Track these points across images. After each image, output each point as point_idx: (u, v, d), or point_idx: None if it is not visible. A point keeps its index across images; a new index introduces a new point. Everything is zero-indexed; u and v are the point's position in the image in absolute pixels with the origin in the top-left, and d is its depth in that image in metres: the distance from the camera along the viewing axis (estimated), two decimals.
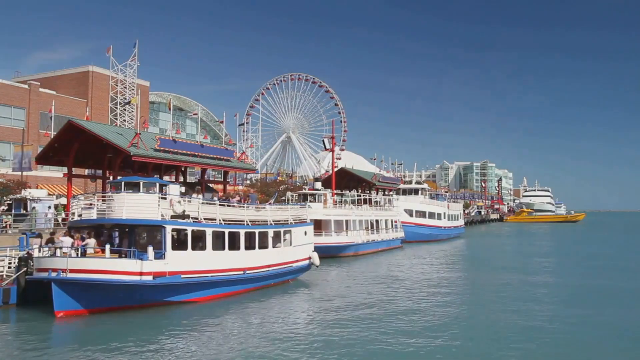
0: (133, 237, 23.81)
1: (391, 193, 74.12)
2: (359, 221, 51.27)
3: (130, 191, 23.62)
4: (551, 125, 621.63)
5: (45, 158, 35.57)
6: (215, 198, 30.18)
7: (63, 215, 35.92)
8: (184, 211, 24.28)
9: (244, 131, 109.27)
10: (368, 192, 66.43)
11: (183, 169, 41.30)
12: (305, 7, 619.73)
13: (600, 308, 24.39)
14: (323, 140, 66.98)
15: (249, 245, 27.61)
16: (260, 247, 28.20)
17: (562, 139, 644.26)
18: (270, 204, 33.55)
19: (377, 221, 55.62)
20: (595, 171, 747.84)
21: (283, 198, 49.63)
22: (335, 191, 54.18)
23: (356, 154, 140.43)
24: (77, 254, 22.10)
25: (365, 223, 52.63)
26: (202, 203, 26.20)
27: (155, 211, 23.13)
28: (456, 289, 29.69)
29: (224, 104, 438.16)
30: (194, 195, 27.48)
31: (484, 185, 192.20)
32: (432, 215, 71.65)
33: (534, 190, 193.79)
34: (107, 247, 22.13)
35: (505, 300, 26.33)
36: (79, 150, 34.56)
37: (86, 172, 44.30)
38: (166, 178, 40.04)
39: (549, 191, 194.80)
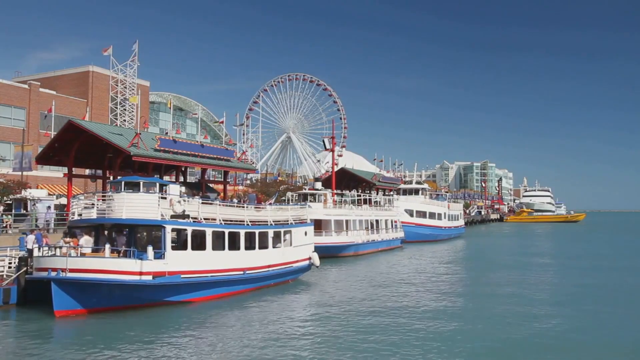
0: (133, 237, 23.79)
1: (391, 193, 74.09)
2: (359, 221, 51.25)
3: (130, 191, 23.60)
4: (551, 125, 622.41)
5: (46, 158, 35.57)
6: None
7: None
8: (183, 211, 24.27)
9: (244, 134, 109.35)
10: (368, 192, 66.40)
11: (183, 169, 41.31)
12: (305, 7, 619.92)
13: (603, 321, 24.29)
14: (323, 140, 66.91)
15: (249, 246, 27.57)
16: (260, 247, 28.15)
17: (562, 139, 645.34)
18: (270, 203, 33.53)
19: (377, 221, 55.58)
20: (595, 171, 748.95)
21: (283, 198, 49.62)
22: (335, 191, 54.15)
23: (356, 154, 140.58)
24: (77, 254, 22.09)
25: (365, 223, 52.60)
26: (202, 203, 26.18)
27: (155, 211, 23.11)
28: (457, 290, 29.66)
29: (224, 104, 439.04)
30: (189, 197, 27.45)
31: (484, 185, 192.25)
32: (432, 215, 71.60)
33: (534, 190, 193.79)
34: (107, 247, 22.14)
35: (505, 303, 26.27)
36: (79, 150, 34.56)
37: (86, 172, 44.34)
38: (166, 178, 40.05)
39: (549, 191, 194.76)
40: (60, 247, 22.39)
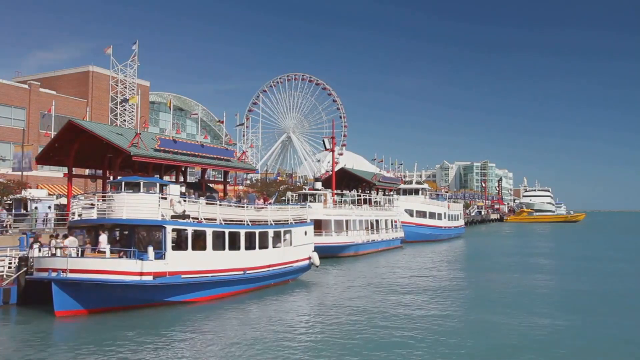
0: (133, 237, 23.79)
1: (391, 193, 74.10)
2: (359, 221, 51.25)
3: (131, 191, 23.60)
4: (551, 125, 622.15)
5: (46, 158, 35.57)
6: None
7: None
8: (184, 211, 24.27)
9: (244, 134, 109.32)
10: (368, 192, 66.40)
11: (183, 169, 41.31)
12: (305, 7, 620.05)
13: (603, 318, 24.28)
14: (323, 140, 66.91)
15: (249, 245, 27.58)
16: (260, 247, 28.17)
17: (562, 139, 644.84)
18: (270, 203, 33.53)
19: (377, 221, 55.59)
20: (595, 171, 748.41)
21: (283, 198, 49.63)
22: (335, 191, 54.15)
23: (356, 154, 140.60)
24: (77, 254, 22.09)
25: (365, 223, 52.60)
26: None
27: (155, 211, 23.11)
28: (456, 290, 29.63)
29: (224, 104, 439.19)
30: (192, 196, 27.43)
31: (484, 185, 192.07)
32: (432, 215, 71.61)
33: (534, 190, 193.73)
34: (107, 247, 22.15)
35: (505, 304, 26.28)
36: (79, 150, 34.57)
37: (86, 172, 44.35)
38: (166, 178, 40.06)
39: (549, 191, 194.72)
40: (61, 248, 22.38)
